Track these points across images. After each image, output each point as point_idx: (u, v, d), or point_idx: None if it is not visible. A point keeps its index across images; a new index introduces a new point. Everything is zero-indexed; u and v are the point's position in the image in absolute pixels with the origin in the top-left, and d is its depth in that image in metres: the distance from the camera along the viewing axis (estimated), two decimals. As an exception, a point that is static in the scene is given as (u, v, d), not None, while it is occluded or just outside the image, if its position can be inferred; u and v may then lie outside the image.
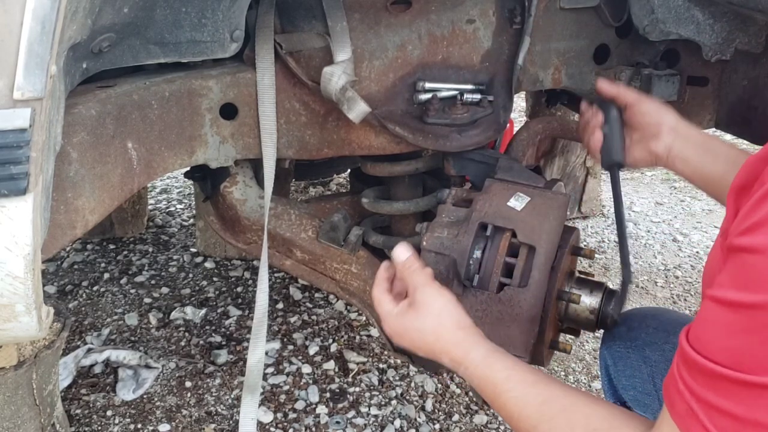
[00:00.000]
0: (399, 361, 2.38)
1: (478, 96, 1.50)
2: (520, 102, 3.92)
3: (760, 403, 0.66)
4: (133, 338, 2.51)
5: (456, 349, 0.99)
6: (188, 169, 1.53)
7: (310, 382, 2.29)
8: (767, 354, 0.65)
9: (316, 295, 2.80)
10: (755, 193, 0.70)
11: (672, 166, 1.29)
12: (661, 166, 1.30)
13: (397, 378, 2.31)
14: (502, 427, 2.11)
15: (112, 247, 3.21)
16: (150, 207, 3.60)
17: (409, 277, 1.06)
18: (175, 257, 3.13)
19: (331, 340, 2.51)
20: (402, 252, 1.08)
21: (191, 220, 3.48)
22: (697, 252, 3.26)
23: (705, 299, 0.73)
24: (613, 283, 2.95)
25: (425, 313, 1.02)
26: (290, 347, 2.48)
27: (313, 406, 2.19)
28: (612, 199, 1.32)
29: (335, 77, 1.33)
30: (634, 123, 1.29)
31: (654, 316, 1.36)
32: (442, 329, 1.01)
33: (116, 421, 2.10)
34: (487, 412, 2.17)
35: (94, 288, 2.84)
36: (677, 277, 3.03)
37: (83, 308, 2.70)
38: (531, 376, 0.92)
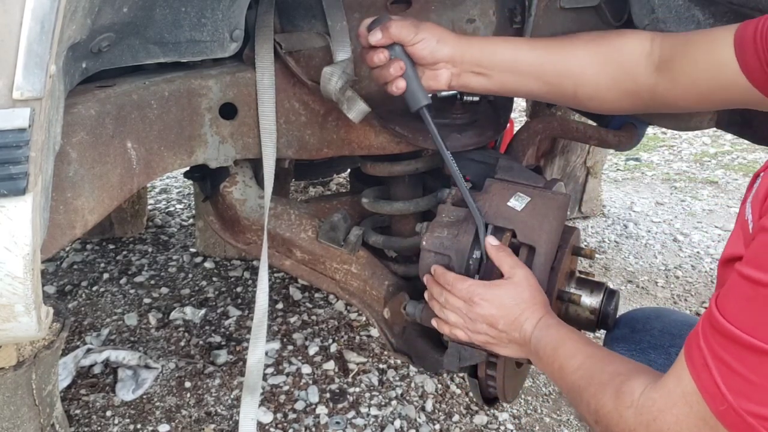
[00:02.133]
0: (399, 362, 2.38)
1: (477, 96, 1.50)
2: (520, 102, 3.92)
3: (764, 369, 0.74)
4: (132, 338, 2.51)
5: (540, 315, 1.17)
6: (188, 169, 1.53)
7: (310, 382, 2.29)
8: None
9: (316, 295, 2.80)
10: None
11: (466, 89, 1.35)
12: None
13: (397, 378, 2.31)
14: (501, 428, 2.11)
15: (111, 247, 3.21)
16: (149, 207, 3.60)
17: (506, 257, 1.25)
18: (174, 257, 3.12)
19: (331, 341, 2.51)
20: (493, 239, 1.27)
21: (191, 220, 3.48)
22: (698, 252, 3.26)
23: (723, 274, 0.82)
24: (614, 283, 2.95)
25: (525, 285, 1.21)
26: (290, 347, 2.47)
27: (313, 406, 2.19)
28: (433, 138, 1.30)
29: (335, 77, 1.33)
30: (415, 60, 1.27)
31: (658, 317, 1.36)
32: (534, 301, 1.20)
33: (116, 422, 2.10)
34: (487, 412, 2.17)
35: (94, 288, 2.84)
36: (678, 277, 3.03)
37: (83, 308, 2.69)
38: (584, 339, 1.11)
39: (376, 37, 1.23)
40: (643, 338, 1.30)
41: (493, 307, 1.21)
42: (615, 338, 1.36)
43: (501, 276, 1.25)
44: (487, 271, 1.27)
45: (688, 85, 1.18)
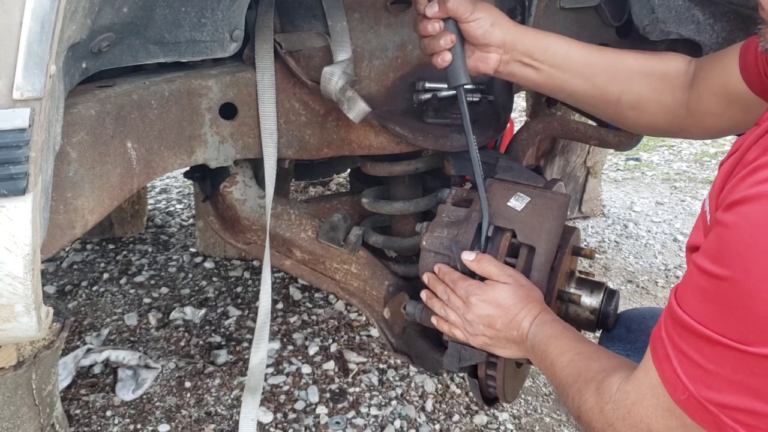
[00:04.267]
0: (399, 362, 2.38)
1: (478, 96, 1.50)
2: (520, 102, 3.93)
3: (722, 359, 0.76)
4: (132, 338, 2.51)
5: (537, 313, 1.18)
6: (188, 169, 1.53)
7: (310, 382, 2.29)
8: (727, 319, 0.74)
9: (316, 295, 2.80)
10: (738, 172, 0.77)
11: (512, 78, 1.35)
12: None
13: (397, 378, 2.31)
14: (501, 428, 2.11)
15: (111, 247, 3.21)
16: (149, 207, 3.60)
17: (489, 266, 1.25)
18: (174, 257, 3.12)
19: (330, 341, 2.51)
20: (469, 253, 1.27)
21: (191, 220, 3.48)
22: (697, 252, 3.26)
23: (689, 262, 0.82)
24: (614, 283, 2.95)
25: (518, 284, 1.22)
26: (290, 347, 2.47)
27: (313, 406, 2.19)
28: (462, 119, 1.29)
29: (335, 77, 1.33)
30: (467, 38, 1.26)
31: (653, 317, 1.36)
32: (530, 299, 1.21)
33: (116, 422, 2.10)
34: (487, 412, 2.17)
35: (94, 288, 2.84)
36: (678, 277, 3.03)
37: (82, 308, 2.69)
38: (576, 334, 1.14)
39: (433, 9, 1.21)
40: (638, 338, 1.30)
41: (490, 307, 1.21)
42: (611, 338, 1.36)
43: None
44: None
45: (709, 97, 1.21)
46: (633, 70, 1.28)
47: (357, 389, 2.26)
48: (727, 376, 0.75)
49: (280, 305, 2.73)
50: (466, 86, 1.25)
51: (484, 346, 1.26)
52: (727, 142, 4.77)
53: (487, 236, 1.29)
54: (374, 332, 2.54)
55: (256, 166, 1.56)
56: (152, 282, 2.91)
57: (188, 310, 2.66)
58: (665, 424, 0.86)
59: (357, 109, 1.32)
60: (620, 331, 1.35)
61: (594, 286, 1.35)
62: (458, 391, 2.26)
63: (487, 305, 1.22)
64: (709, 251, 0.77)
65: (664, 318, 0.85)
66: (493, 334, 1.22)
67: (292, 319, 2.64)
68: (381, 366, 2.37)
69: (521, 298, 1.20)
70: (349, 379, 2.31)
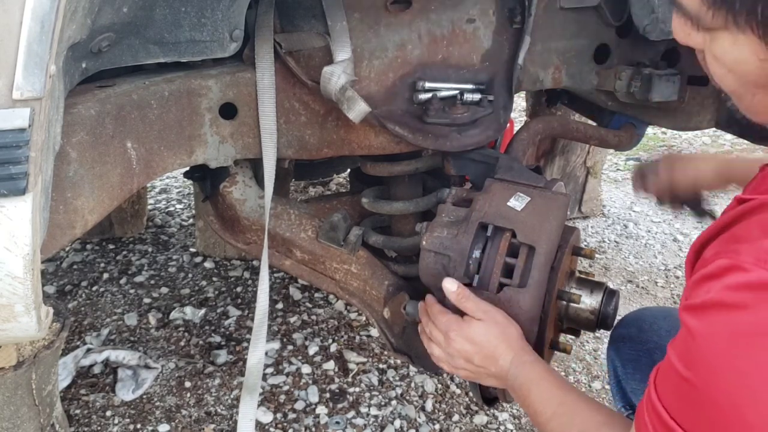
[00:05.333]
0: (399, 362, 2.38)
1: (478, 96, 1.50)
2: (520, 102, 3.93)
3: None
4: (132, 338, 2.51)
5: (515, 352, 1.17)
6: (188, 168, 1.53)
7: (310, 382, 2.29)
8: (697, 420, 0.74)
9: (316, 295, 2.80)
10: (699, 268, 0.77)
11: None
12: None
13: (397, 378, 2.31)
14: (501, 428, 2.11)
15: (111, 247, 3.21)
16: (149, 207, 3.60)
17: (467, 302, 1.23)
18: (174, 257, 3.12)
19: (330, 340, 2.51)
20: (451, 283, 1.25)
21: (191, 220, 3.48)
22: (697, 252, 3.26)
23: (668, 351, 0.81)
24: (614, 283, 2.95)
25: (492, 322, 1.21)
26: (290, 347, 2.47)
27: (313, 406, 2.19)
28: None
29: (335, 77, 1.33)
30: None
31: (666, 318, 1.35)
32: (505, 336, 1.19)
33: (116, 422, 2.10)
34: (487, 412, 2.17)
35: (94, 288, 2.84)
36: (678, 277, 3.03)
37: (82, 308, 2.69)
38: (557, 380, 1.10)
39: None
40: (650, 338, 1.30)
41: (467, 343, 1.22)
42: (622, 337, 1.35)
43: (498, 278, 1.25)
44: (486, 272, 1.27)
45: None
46: None
47: (357, 389, 2.26)
48: None
49: (280, 305, 2.73)
50: (467, 86, 1.25)
51: (469, 378, 1.27)
52: (727, 142, 4.77)
53: (488, 236, 1.29)
54: (374, 332, 2.54)
55: (256, 166, 1.56)
56: (152, 282, 2.91)
57: (188, 310, 2.66)
58: None
59: (357, 109, 1.32)
60: (632, 331, 1.34)
61: (594, 286, 1.35)
62: (458, 391, 2.26)
63: (463, 341, 1.22)
64: (679, 351, 0.78)
65: (645, 402, 0.84)
66: (473, 369, 1.23)
67: (292, 319, 2.64)
68: (381, 366, 2.37)
69: (495, 336, 1.20)
70: (349, 379, 2.31)
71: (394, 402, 2.21)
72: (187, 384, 2.27)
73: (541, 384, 1.11)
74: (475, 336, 1.21)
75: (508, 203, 1.31)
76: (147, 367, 2.29)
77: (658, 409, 0.80)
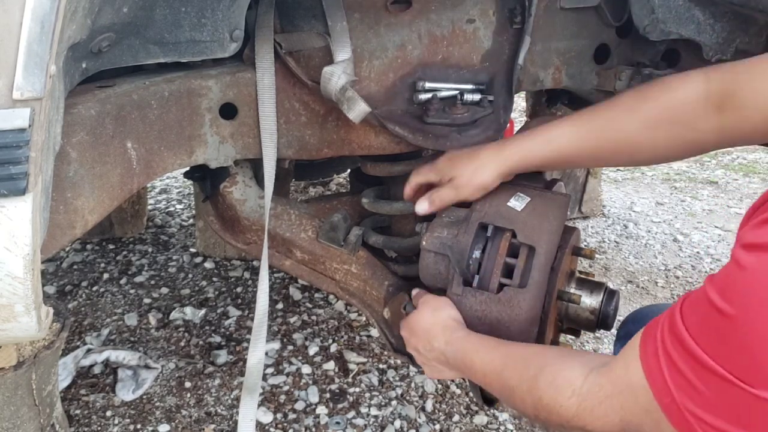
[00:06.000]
0: (399, 362, 2.37)
1: (478, 96, 1.50)
2: (520, 102, 3.92)
3: (720, 389, 0.75)
4: (132, 338, 2.51)
5: (445, 332, 1.23)
6: (188, 169, 1.53)
7: (310, 382, 2.29)
8: (730, 354, 0.74)
9: (316, 295, 2.80)
10: (763, 211, 0.76)
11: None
12: None
13: (397, 378, 2.31)
14: (502, 428, 2.11)
15: (111, 247, 3.21)
16: (149, 207, 3.60)
17: (414, 295, 1.40)
18: (174, 257, 3.12)
19: (330, 341, 2.51)
20: (415, 289, 1.43)
21: (191, 220, 3.48)
22: (698, 252, 3.26)
23: (705, 283, 0.80)
24: (614, 283, 2.95)
25: (425, 310, 1.29)
26: (290, 347, 2.47)
27: (313, 406, 2.19)
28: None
29: (335, 77, 1.33)
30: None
31: None
32: (435, 319, 1.26)
33: (116, 422, 2.10)
34: (487, 412, 2.17)
35: (94, 288, 2.84)
36: (678, 277, 3.03)
37: (83, 308, 2.69)
38: (493, 342, 1.16)
39: (423, 208, 1.35)
40: None
41: (410, 335, 1.30)
42: (629, 335, 1.36)
43: (498, 278, 1.25)
44: (486, 272, 1.27)
45: (757, 117, 1.05)
46: (633, 135, 1.17)
47: (357, 389, 2.26)
48: (721, 404, 0.75)
49: (280, 305, 2.73)
50: (467, 86, 1.26)
51: (434, 376, 1.32)
52: (727, 143, 4.77)
53: (488, 236, 1.29)
54: (374, 332, 2.54)
55: (256, 166, 1.56)
56: (152, 282, 2.91)
57: (188, 310, 2.66)
58: (640, 421, 0.86)
59: (357, 110, 1.32)
60: (637, 328, 1.34)
61: (594, 287, 1.35)
62: (458, 391, 2.26)
63: (409, 335, 1.31)
64: (720, 284, 0.77)
65: (662, 326, 0.83)
66: (424, 361, 1.28)
67: (292, 320, 2.64)
68: (381, 366, 2.37)
69: (426, 320, 1.26)
70: (349, 379, 2.31)
71: (394, 402, 2.21)
72: (187, 384, 2.27)
73: (480, 350, 1.14)
74: (413, 326, 1.29)
75: (508, 203, 1.31)
76: (147, 367, 2.29)
77: (681, 336, 0.79)
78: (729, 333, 0.74)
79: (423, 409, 2.18)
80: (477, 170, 1.29)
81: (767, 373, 0.70)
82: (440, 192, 1.34)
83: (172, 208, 3.69)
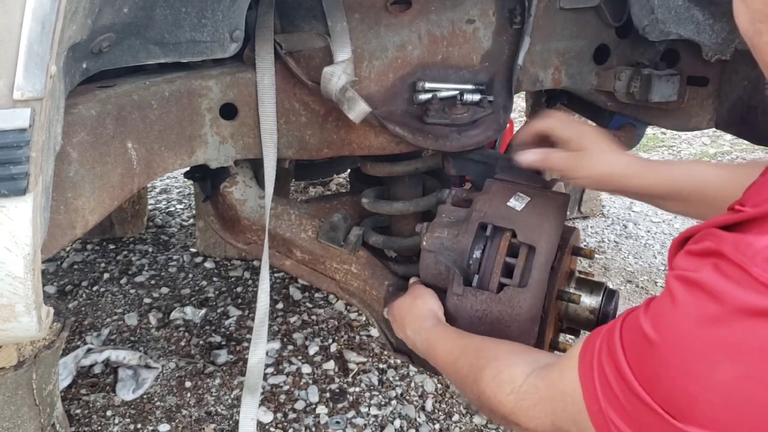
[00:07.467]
0: (399, 361, 2.38)
1: (478, 96, 1.50)
2: (520, 102, 3.92)
3: (634, 404, 0.75)
4: (132, 338, 2.51)
5: (416, 321, 1.30)
6: (188, 169, 1.53)
7: (310, 382, 2.29)
8: (645, 375, 0.74)
9: (316, 295, 2.80)
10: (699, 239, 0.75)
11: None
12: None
13: (397, 378, 2.31)
14: (501, 428, 2.11)
15: (111, 247, 3.21)
16: (150, 207, 3.60)
17: (411, 286, 1.43)
18: (174, 257, 3.13)
19: (330, 340, 2.51)
20: (414, 278, 1.47)
21: (191, 220, 3.48)
22: (697, 252, 3.26)
23: (642, 306, 0.80)
24: (613, 283, 2.95)
25: (406, 298, 1.38)
26: (290, 347, 2.48)
27: (313, 406, 2.19)
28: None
29: (335, 77, 1.33)
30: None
31: None
32: (411, 307, 1.34)
33: (116, 421, 2.10)
34: (487, 412, 2.17)
35: (94, 288, 2.85)
36: (677, 277, 3.03)
37: (83, 308, 2.70)
38: (456, 333, 1.22)
39: (530, 158, 1.31)
40: None
41: (394, 321, 1.39)
42: None
43: (498, 278, 1.25)
44: (486, 272, 1.27)
45: None
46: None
47: (357, 389, 2.26)
48: (642, 426, 0.75)
49: (280, 305, 2.73)
50: (467, 86, 1.26)
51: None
52: (727, 142, 4.77)
53: (488, 236, 1.29)
54: (374, 332, 2.54)
55: (256, 166, 1.56)
56: (152, 282, 2.91)
57: (188, 310, 2.66)
58: (568, 428, 0.87)
59: (357, 110, 1.33)
60: None
61: (593, 286, 1.36)
62: (458, 391, 2.27)
63: (392, 319, 1.40)
64: (653, 311, 0.77)
65: (602, 342, 0.83)
66: (410, 344, 1.34)
67: (292, 319, 2.64)
68: (381, 366, 2.37)
69: (404, 309, 1.34)
70: (349, 379, 2.31)
71: (394, 402, 2.21)
72: (188, 384, 2.27)
73: (443, 340, 1.20)
74: (393, 311, 1.39)
75: (508, 203, 1.31)
76: (147, 366, 2.29)
77: (615, 346, 0.79)
78: (650, 359, 0.74)
79: (423, 408, 2.19)
80: (613, 159, 1.21)
81: (680, 404, 0.71)
82: (559, 155, 1.25)
83: (172, 208, 3.69)
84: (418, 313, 1.31)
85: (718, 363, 0.68)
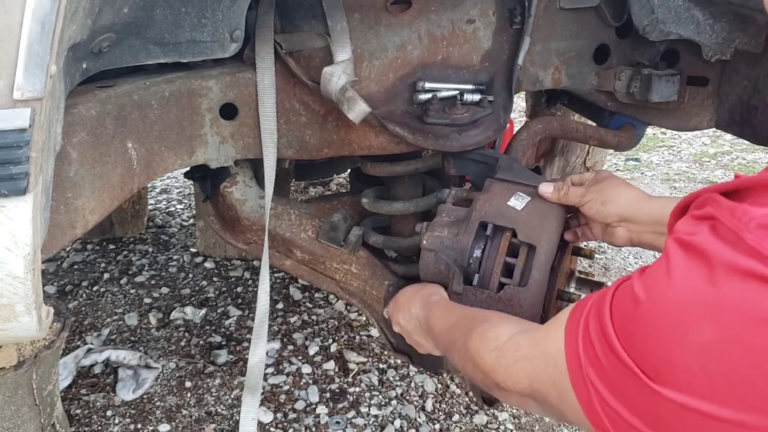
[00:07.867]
0: (399, 361, 2.38)
1: (478, 96, 1.50)
2: (520, 102, 3.92)
3: (614, 365, 0.73)
4: (133, 338, 2.51)
5: (423, 299, 1.34)
6: (188, 169, 1.53)
7: (310, 382, 2.29)
8: (628, 335, 0.73)
9: (316, 295, 2.80)
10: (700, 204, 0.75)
11: (653, 249, 1.38)
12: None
13: (397, 378, 2.31)
14: (501, 428, 2.11)
15: (112, 247, 3.21)
16: (150, 207, 3.60)
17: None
18: (175, 257, 3.13)
19: (331, 340, 2.51)
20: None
21: (191, 220, 3.48)
22: (697, 252, 3.26)
23: (632, 278, 0.78)
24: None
25: (413, 287, 1.41)
26: (290, 347, 2.48)
27: (313, 406, 2.19)
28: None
29: (335, 77, 1.33)
30: (587, 218, 1.35)
31: None
32: (416, 290, 1.39)
33: (116, 421, 2.10)
34: (487, 412, 2.17)
35: (94, 288, 2.85)
36: (677, 277, 3.03)
37: (83, 308, 2.70)
38: (458, 305, 1.25)
39: (548, 190, 1.34)
40: None
41: (396, 309, 1.40)
42: None
43: (498, 277, 1.25)
44: (486, 271, 1.27)
45: None
46: None
47: (357, 389, 2.26)
48: (619, 387, 0.74)
49: (280, 305, 2.73)
50: (467, 86, 1.26)
51: (423, 350, 1.37)
52: (727, 142, 4.77)
53: (488, 235, 1.29)
54: (374, 332, 2.54)
55: (256, 166, 1.56)
56: (153, 282, 2.91)
57: (189, 310, 2.66)
58: (546, 391, 0.86)
59: (357, 110, 1.33)
60: None
61: (594, 286, 1.36)
62: (458, 391, 2.26)
63: (394, 308, 1.42)
64: (647, 273, 0.75)
65: (590, 308, 0.81)
66: (407, 335, 1.37)
67: (292, 319, 2.64)
68: (381, 366, 2.37)
69: (410, 292, 1.38)
70: (349, 379, 2.31)
71: (394, 402, 2.21)
72: (188, 384, 2.27)
73: (444, 311, 1.24)
74: (398, 298, 1.42)
75: (509, 203, 1.31)
76: (147, 367, 2.29)
77: (603, 308, 0.78)
78: (633, 317, 0.73)
79: (423, 408, 2.19)
80: (630, 188, 1.29)
81: (657, 364, 0.69)
82: (574, 190, 1.31)
83: (172, 208, 3.69)
84: (427, 293, 1.34)
85: (697, 322, 0.66)
